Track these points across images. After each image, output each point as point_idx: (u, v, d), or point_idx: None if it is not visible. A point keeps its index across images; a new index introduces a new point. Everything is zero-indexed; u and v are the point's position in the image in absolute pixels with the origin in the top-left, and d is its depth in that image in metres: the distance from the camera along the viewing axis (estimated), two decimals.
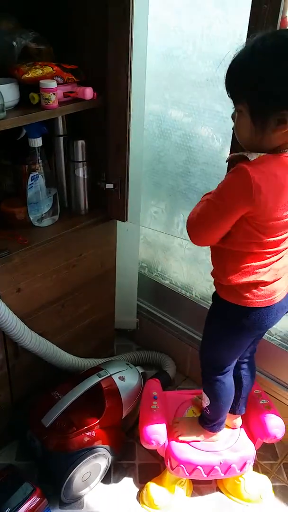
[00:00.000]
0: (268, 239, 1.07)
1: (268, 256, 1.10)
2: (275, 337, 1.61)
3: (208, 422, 1.43)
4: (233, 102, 1.01)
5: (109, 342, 1.88)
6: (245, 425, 1.53)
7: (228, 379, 1.35)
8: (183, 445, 1.46)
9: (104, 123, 1.43)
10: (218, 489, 1.56)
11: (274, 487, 1.56)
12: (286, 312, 1.26)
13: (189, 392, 1.66)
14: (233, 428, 1.51)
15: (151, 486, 1.51)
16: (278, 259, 1.12)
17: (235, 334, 1.24)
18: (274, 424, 1.45)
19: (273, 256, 1.11)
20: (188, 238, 1.13)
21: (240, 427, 1.53)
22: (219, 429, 1.44)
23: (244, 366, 1.42)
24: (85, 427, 1.45)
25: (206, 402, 1.40)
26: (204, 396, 1.40)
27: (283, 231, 1.07)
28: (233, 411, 1.47)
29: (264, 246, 1.08)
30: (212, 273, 1.21)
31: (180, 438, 1.46)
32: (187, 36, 1.47)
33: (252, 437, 1.50)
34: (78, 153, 1.43)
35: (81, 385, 1.49)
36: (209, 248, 1.20)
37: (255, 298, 1.14)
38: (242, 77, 0.96)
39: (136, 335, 2.02)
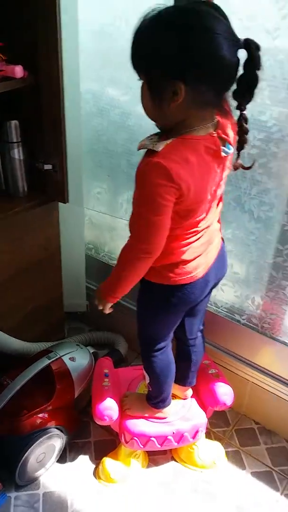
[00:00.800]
0: (188, 222, 1.07)
1: (187, 236, 1.11)
2: (221, 309, 1.64)
3: (152, 399, 1.44)
4: (137, 73, 0.99)
5: (59, 325, 1.86)
6: (196, 395, 1.56)
7: (165, 356, 1.36)
8: (136, 419, 1.47)
9: (38, 102, 1.38)
10: (173, 459, 1.58)
11: (227, 453, 1.60)
12: (214, 286, 1.28)
13: (141, 367, 1.66)
14: (184, 399, 1.54)
15: (107, 461, 1.51)
16: (197, 239, 1.13)
17: (164, 312, 1.25)
18: (223, 391, 1.48)
19: (193, 236, 1.12)
20: None
21: (191, 397, 1.56)
22: (163, 406, 1.45)
23: (193, 342, 1.43)
24: (37, 409, 1.43)
25: (147, 379, 1.42)
26: (145, 373, 1.42)
27: (203, 212, 1.08)
28: (183, 383, 1.49)
29: (184, 228, 1.09)
30: None
31: (128, 413, 1.47)
32: (119, 13, 1.45)
33: (203, 406, 1.53)
34: (12, 133, 1.38)
35: (30, 369, 1.46)
36: None
37: (178, 276, 1.15)
38: (138, 48, 0.95)
39: (87, 317, 2.00)
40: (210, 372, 1.55)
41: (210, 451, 1.56)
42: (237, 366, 1.63)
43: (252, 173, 1.35)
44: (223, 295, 1.61)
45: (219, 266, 1.26)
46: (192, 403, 1.54)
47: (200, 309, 1.35)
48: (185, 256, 1.13)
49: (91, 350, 1.68)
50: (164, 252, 1.09)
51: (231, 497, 1.47)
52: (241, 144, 1.02)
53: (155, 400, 1.44)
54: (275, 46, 1.17)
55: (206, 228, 1.14)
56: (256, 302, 1.54)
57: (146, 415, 1.47)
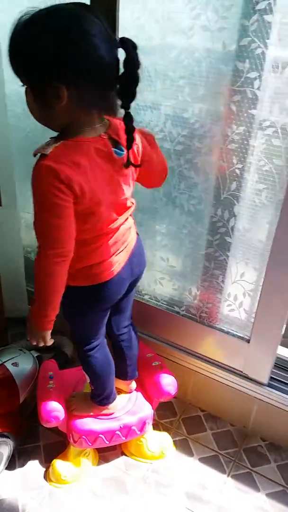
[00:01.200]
0: (92, 224, 1.08)
1: (97, 239, 1.12)
2: (161, 302, 1.67)
3: (96, 397, 1.45)
4: (18, 78, 0.98)
5: (1, 332, 1.81)
6: (141, 388, 1.58)
7: (101, 353, 1.37)
8: (83, 418, 1.47)
9: None
10: (123, 453, 1.59)
11: (175, 441, 1.63)
12: (134, 282, 1.30)
13: None
14: (129, 392, 1.55)
15: (57, 462, 1.50)
16: (107, 240, 1.14)
17: (86, 312, 1.26)
18: (167, 382, 1.51)
19: (102, 238, 1.13)
20: None
21: (136, 390, 1.57)
22: (108, 402, 1.45)
23: (123, 337, 1.45)
24: None
25: (88, 378, 1.42)
26: (85, 373, 1.42)
27: (107, 215, 1.09)
28: (124, 377, 1.50)
29: (91, 231, 1.09)
30: None
31: (75, 413, 1.47)
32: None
33: (148, 398, 1.55)
34: None
35: None
36: None
37: (92, 277, 1.17)
38: (14, 53, 0.95)
39: None
40: (153, 364, 1.57)
41: (158, 442, 1.58)
42: (180, 356, 1.67)
43: (180, 169, 1.38)
44: (162, 289, 1.64)
45: (137, 262, 1.27)
46: (138, 396, 1.56)
47: (124, 306, 1.38)
48: (97, 259, 1.14)
49: (35, 354, 1.66)
50: (76, 256, 1.09)
51: (180, 485, 1.50)
52: (128, 142, 1.03)
53: (99, 397, 1.44)
54: (190, 44, 1.21)
55: (117, 228, 1.15)
56: (193, 292, 1.57)
57: (92, 413, 1.47)
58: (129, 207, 1.18)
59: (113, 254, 1.17)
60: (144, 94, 1.32)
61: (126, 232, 1.20)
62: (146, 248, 1.57)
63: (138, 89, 0.96)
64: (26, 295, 1.89)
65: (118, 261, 1.19)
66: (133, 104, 0.98)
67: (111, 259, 1.17)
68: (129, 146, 1.04)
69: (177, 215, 1.46)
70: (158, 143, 1.20)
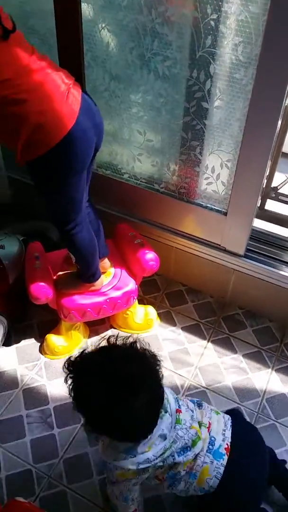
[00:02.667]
0: None
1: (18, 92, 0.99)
2: (140, 181, 1.55)
3: (82, 275, 1.40)
4: None
5: None
6: (125, 266, 1.53)
7: (84, 232, 1.28)
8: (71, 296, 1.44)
9: None
10: (111, 326, 1.60)
11: (159, 314, 1.62)
12: (98, 140, 1.15)
13: None
14: (104, 272, 1.49)
15: (50, 337, 1.49)
16: (33, 89, 1.01)
17: (62, 179, 1.13)
18: (149, 258, 1.46)
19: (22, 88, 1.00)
20: None
21: (120, 268, 1.53)
22: (94, 279, 1.41)
23: (88, 210, 1.35)
24: None
25: (73, 259, 1.36)
26: (70, 253, 1.35)
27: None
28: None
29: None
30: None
31: (63, 291, 1.43)
32: None
33: (133, 275, 1.52)
34: None
35: None
36: None
37: (48, 138, 1.03)
38: None
39: (12, 208, 1.86)
40: (135, 242, 1.51)
41: (144, 315, 1.58)
42: (161, 234, 1.60)
43: (152, 25, 1.19)
44: (141, 166, 1.51)
45: (91, 113, 1.11)
46: (122, 273, 1.51)
47: (88, 176, 1.24)
48: (37, 116, 1.01)
49: (20, 238, 1.58)
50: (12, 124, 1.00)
51: (165, 351, 1.52)
52: None
53: (86, 275, 1.39)
54: None
55: (42, 73, 1.01)
56: (172, 168, 1.46)
57: (80, 291, 1.43)
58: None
59: (55, 106, 1.02)
60: None
61: (57, 79, 1.04)
62: (122, 122, 1.44)
63: None
64: (6, 180, 1.76)
65: (67, 112, 1.04)
66: None
67: (56, 112, 1.02)
68: None
69: (151, 81, 1.29)
70: None
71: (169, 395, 1.03)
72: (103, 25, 1.27)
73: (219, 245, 1.52)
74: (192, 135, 1.34)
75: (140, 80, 1.32)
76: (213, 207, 1.47)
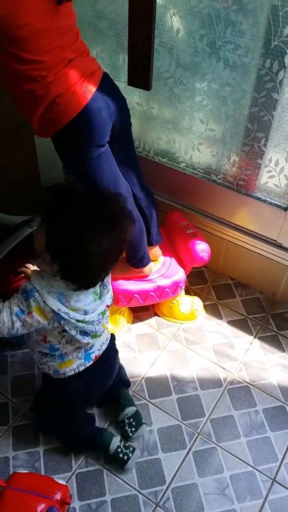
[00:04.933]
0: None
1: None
2: (198, 171, 1.56)
3: (130, 260, 1.42)
4: None
5: (37, 199, 1.77)
6: (175, 255, 1.55)
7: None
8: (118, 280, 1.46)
9: None
10: (155, 314, 1.61)
11: (205, 306, 1.63)
12: (117, 112, 1.17)
13: None
14: (154, 260, 1.51)
15: None
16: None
17: (82, 153, 1.15)
18: (201, 248, 1.47)
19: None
20: None
21: (171, 257, 1.54)
22: (142, 265, 1.43)
23: (140, 196, 1.36)
24: (22, 275, 1.41)
25: None
26: None
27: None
28: (150, 243, 1.45)
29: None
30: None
31: (112, 275, 1.44)
32: None
33: (182, 264, 1.52)
34: None
35: (12, 237, 1.40)
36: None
37: (69, 106, 1.08)
38: None
39: None
40: (188, 232, 1.52)
41: (190, 305, 1.58)
42: (214, 226, 1.60)
43: (226, 12, 1.18)
44: (200, 156, 1.51)
45: (108, 93, 1.15)
46: (172, 261, 1.53)
47: (125, 150, 1.28)
48: (55, 98, 1.06)
49: None
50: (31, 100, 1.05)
51: (209, 343, 1.53)
52: None
53: (133, 260, 1.41)
54: None
55: (73, 60, 1.06)
56: (232, 159, 1.45)
57: (128, 275, 1.45)
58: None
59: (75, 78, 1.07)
60: None
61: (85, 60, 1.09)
62: (185, 110, 1.45)
63: None
64: (60, 164, 1.79)
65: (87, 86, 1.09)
66: None
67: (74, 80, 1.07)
68: None
69: (220, 69, 1.29)
70: None
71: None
72: (174, 11, 1.28)
73: (275, 240, 1.50)
74: (258, 126, 1.33)
75: (207, 68, 1.31)
76: (272, 201, 1.45)
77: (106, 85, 1.14)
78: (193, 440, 1.30)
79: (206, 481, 1.22)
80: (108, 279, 1.12)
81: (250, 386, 1.42)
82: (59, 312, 1.00)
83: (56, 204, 0.95)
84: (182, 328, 1.57)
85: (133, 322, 1.59)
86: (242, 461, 1.26)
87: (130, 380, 1.40)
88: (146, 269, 1.45)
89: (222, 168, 1.50)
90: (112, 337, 1.27)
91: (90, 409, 1.35)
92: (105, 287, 1.09)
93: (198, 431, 1.32)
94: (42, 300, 0.99)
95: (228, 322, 1.59)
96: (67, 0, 1.02)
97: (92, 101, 1.09)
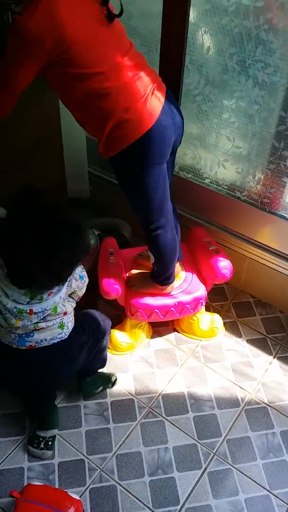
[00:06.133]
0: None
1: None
2: (222, 187, 1.56)
3: (157, 276, 1.41)
4: None
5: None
6: (197, 271, 1.54)
7: (169, 233, 1.31)
8: (140, 293, 1.46)
9: None
10: (175, 330, 1.61)
11: (225, 323, 1.61)
12: (177, 138, 1.19)
13: (145, 248, 1.64)
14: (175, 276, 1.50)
15: (115, 333, 1.53)
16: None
17: (141, 172, 1.15)
18: (223, 265, 1.46)
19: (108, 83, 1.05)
20: None
21: (192, 273, 1.54)
22: (168, 283, 1.43)
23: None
24: None
25: (152, 259, 1.38)
26: (150, 253, 1.37)
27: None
28: None
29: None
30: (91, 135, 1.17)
31: (134, 289, 1.46)
32: None
33: (204, 280, 1.52)
34: None
35: None
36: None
37: (134, 128, 1.08)
38: None
39: (90, 203, 1.93)
40: (210, 248, 1.51)
41: (210, 322, 1.57)
42: (236, 243, 1.59)
43: (258, 31, 1.19)
44: (225, 172, 1.52)
45: (172, 113, 1.15)
46: (193, 277, 1.52)
47: (169, 176, 1.27)
48: (123, 113, 1.06)
49: (96, 232, 1.64)
50: (99, 117, 1.06)
51: (228, 361, 1.51)
52: None
53: (161, 277, 1.41)
54: None
55: (133, 72, 1.06)
56: (257, 177, 1.45)
57: (151, 292, 1.45)
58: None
59: (144, 100, 1.08)
60: None
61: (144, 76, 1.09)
62: (212, 127, 1.45)
63: None
64: (87, 176, 1.83)
65: (152, 107, 1.09)
66: None
67: (139, 106, 1.08)
68: None
69: (248, 87, 1.30)
70: None
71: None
72: (206, 30, 1.29)
73: None
74: (284, 145, 1.32)
75: (236, 86, 1.32)
76: None
77: (170, 100, 1.14)
78: (208, 460, 1.28)
79: (220, 503, 1.20)
80: (55, 298, 1.11)
81: (268, 407, 1.39)
82: None
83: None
84: (200, 345, 1.56)
85: (152, 337, 1.59)
86: (258, 484, 1.24)
87: (147, 396, 1.39)
88: (169, 287, 1.45)
89: (246, 185, 1.50)
90: (69, 340, 1.21)
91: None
92: (40, 294, 1.09)
93: (214, 451, 1.30)
94: None
95: (248, 341, 1.57)
96: (117, 16, 1.04)
97: (160, 117, 1.09)
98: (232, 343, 1.56)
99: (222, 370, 1.49)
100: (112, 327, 1.55)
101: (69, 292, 1.15)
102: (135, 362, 1.51)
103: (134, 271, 1.52)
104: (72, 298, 1.19)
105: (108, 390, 1.43)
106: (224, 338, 1.58)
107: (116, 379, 1.44)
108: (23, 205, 1.00)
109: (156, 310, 1.46)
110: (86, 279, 1.19)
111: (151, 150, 1.11)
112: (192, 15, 1.27)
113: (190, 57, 1.35)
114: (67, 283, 1.11)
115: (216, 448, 1.30)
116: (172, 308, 1.46)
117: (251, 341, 1.57)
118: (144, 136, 1.08)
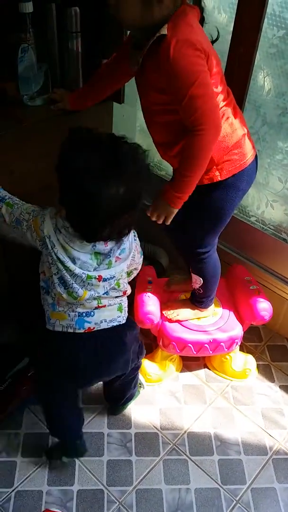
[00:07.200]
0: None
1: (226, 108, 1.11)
2: (268, 227, 1.55)
3: (200, 299, 1.42)
4: None
5: None
6: (235, 309, 1.53)
7: (214, 256, 1.34)
8: (175, 325, 1.45)
9: None
10: (205, 366, 1.58)
11: (258, 366, 1.58)
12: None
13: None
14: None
15: (145, 362, 1.52)
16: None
17: (232, 202, 1.19)
18: (263, 307, 1.44)
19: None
20: None
21: (230, 310, 1.52)
22: (209, 304, 1.45)
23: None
24: None
25: (198, 283, 1.37)
26: (195, 277, 1.37)
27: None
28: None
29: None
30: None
31: (174, 318, 1.45)
32: None
33: (241, 320, 1.50)
34: (72, 22, 1.25)
35: None
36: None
37: (237, 162, 1.13)
38: None
39: None
40: (251, 288, 1.50)
41: (243, 362, 1.55)
42: (277, 284, 1.57)
43: None
44: (272, 213, 1.51)
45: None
46: (230, 316, 1.51)
47: None
48: (235, 132, 1.12)
49: None
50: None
51: (258, 406, 1.48)
52: None
53: (203, 299, 1.42)
54: None
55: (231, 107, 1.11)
56: None
57: (191, 317, 1.46)
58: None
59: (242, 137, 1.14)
60: None
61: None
62: (263, 166, 1.46)
63: None
64: None
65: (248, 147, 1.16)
66: None
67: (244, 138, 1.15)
68: None
69: None
70: None
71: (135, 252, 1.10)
72: (268, 72, 1.31)
73: None
74: None
75: None
76: None
77: None
78: (231, 507, 1.24)
79: None
80: (122, 265, 1.07)
81: None
82: (47, 237, 1.00)
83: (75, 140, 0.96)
84: (231, 385, 1.53)
85: (181, 371, 1.57)
86: None
87: (172, 431, 1.37)
88: (209, 309, 1.46)
89: None
90: (125, 328, 1.17)
91: (74, 392, 1.27)
92: (108, 258, 1.04)
93: (237, 498, 1.26)
94: (43, 220, 1.00)
95: (280, 387, 1.53)
96: (214, 41, 1.09)
97: (254, 160, 1.17)
98: (264, 387, 1.53)
99: (252, 414, 1.45)
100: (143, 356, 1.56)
101: (129, 269, 1.13)
102: (163, 394, 1.49)
103: (172, 300, 1.51)
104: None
105: (133, 420, 1.42)
106: (256, 381, 1.55)
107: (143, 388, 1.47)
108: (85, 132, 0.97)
109: (189, 345, 1.44)
110: (142, 258, 1.17)
111: (244, 186, 1.17)
112: (258, 57, 1.29)
113: (249, 97, 1.37)
114: (131, 254, 1.08)
115: (239, 495, 1.27)
116: (206, 345, 1.45)
117: (284, 388, 1.53)
118: (246, 168, 1.14)
